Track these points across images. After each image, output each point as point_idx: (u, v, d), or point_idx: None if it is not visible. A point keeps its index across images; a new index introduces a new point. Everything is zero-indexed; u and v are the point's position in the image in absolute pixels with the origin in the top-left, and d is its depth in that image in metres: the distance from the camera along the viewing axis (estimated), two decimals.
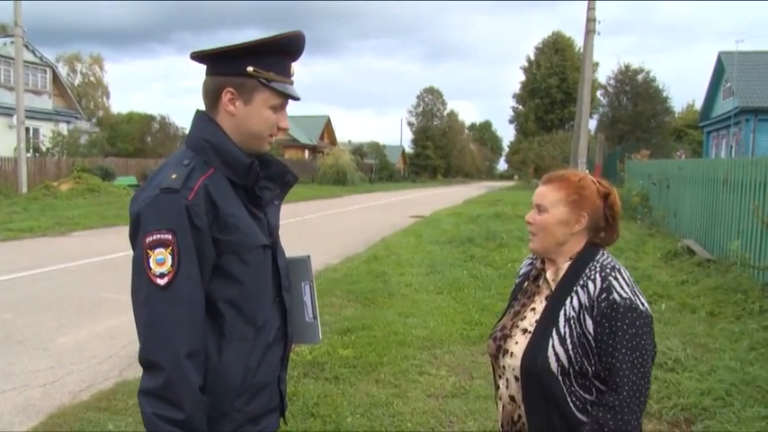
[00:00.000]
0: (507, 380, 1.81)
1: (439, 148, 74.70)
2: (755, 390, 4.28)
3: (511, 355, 1.79)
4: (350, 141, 59.80)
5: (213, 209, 1.52)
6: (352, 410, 4.07)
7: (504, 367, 1.82)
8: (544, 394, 1.70)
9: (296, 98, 1.67)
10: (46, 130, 28.47)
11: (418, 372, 4.84)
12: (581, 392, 1.68)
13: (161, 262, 1.45)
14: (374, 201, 28.64)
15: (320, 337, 1.92)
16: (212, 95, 1.62)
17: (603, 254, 1.80)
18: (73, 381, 4.73)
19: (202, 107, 1.67)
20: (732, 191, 8.35)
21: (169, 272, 1.44)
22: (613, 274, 1.70)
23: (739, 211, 8.01)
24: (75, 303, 7.08)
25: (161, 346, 1.43)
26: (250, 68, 1.57)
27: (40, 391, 4.50)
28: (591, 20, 18.64)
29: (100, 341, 5.70)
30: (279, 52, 1.62)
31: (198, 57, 1.63)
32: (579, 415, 1.67)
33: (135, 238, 1.52)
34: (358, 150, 53.16)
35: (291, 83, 1.66)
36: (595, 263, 1.76)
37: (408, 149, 77.14)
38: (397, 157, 69.74)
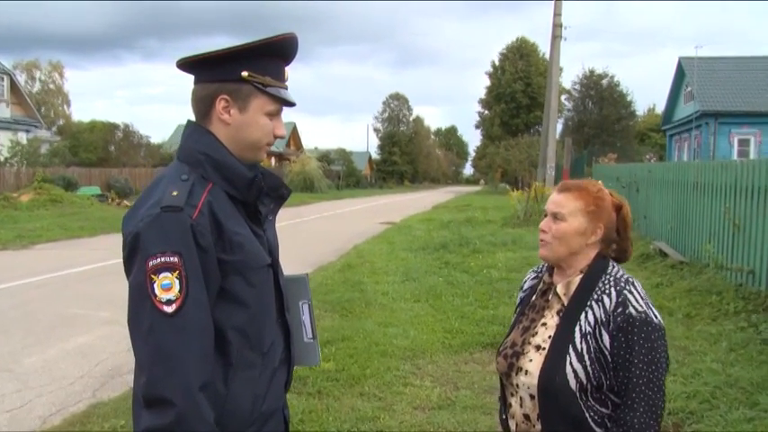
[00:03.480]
0: (521, 398, 1.76)
1: (405, 154, 75.08)
2: (739, 391, 4.31)
3: (525, 373, 1.73)
4: (316, 148, 59.42)
5: (217, 227, 1.41)
6: (338, 426, 3.96)
7: (517, 385, 1.77)
8: (562, 412, 1.66)
9: (292, 104, 1.58)
10: (4, 139, 27.61)
11: (402, 383, 4.75)
12: (597, 407, 1.65)
13: (167, 287, 1.32)
14: (342, 208, 28.53)
15: (319, 358, 1.82)
16: (204, 104, 1.51)
17: (614, 266, 1.78)
18: (42, 404, 4.50)
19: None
20: (703, 194, 8.46)
21: (177, 298, 1.32)
22: (628, 287, 1.68)
23: (710, 214, 8.12)
24: (42, 321, 6.80)
25: (171, 380, 1.30)
26: (245, 73, 1.47)
27: (7, 417, 4.27)
28: (557, 25, 18.89)
29: (70, 360, 5.47)
30: (274, 55, 1.52)
31: (187, 63, 1.52)
32: (597, 429, 1.65)
33: (131, 261, 1.38)
34: (325, 157, 52.86)
35: (286, 87, 1.57)
36: (608, 276, 1.73)
37: (375, 155, 77.26)
38: (363, 163, 69.74)
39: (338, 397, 4.46)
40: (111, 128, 38.35)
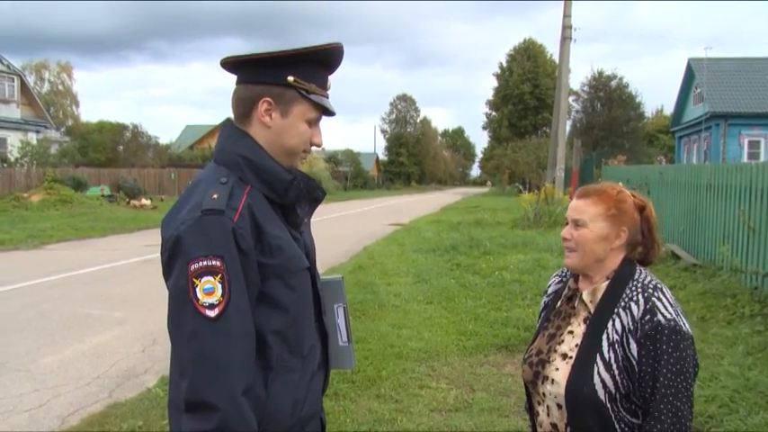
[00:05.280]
0: (548, 407, 1.73)
1: (412, 155, 75.13)
2: (759, 396, 4.27)
3: (552, 383, 1.70)
4: (324, 149, 59.44)
5: (257, 231, 1.40)
6: (356, 428, 3.96)
7: (543, 394, 1.74)
8: (591, 422, 1.62)
9: (332, 113, 1.57)
10: (14, 139, 27.80)
11: (418, 385, 4.74)
12: (628, 417, 1.62)
13: (210, 292, 1.31)
14: (350, 209, 28.51)
15: (354, 361, 1.82)
16: (246, 105, 1.51)
17: (641, 272, 1.73)
18: (60, 404, 4.52)
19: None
20: (717, 196, 8.41)
21: (219, 302, 1.31)
22: (656, 294, 1.64)
23: (724, 217, 8.07)
24: (57, 320, 6.82)
25: (215, 385, 1.29)
26: (291, 78, 1.47)
27: (26, 417, 4.29)
28: (567, 27, 18.83)
29: (86, 360, 5.48)
30: (320, 63, 1.53)
31: (232, 63, 1.51)
32: None
33: (171, 265, 1.37)
34: (332, 158, 52.85)
35: (328, 96, 1.57)
36: (636, 282, 1.69)
37: (382, 157, 77.29)
38: (371, 164, 69.72)
39: (355, 399, 4.46)
40: (120, 128, 38.47)
